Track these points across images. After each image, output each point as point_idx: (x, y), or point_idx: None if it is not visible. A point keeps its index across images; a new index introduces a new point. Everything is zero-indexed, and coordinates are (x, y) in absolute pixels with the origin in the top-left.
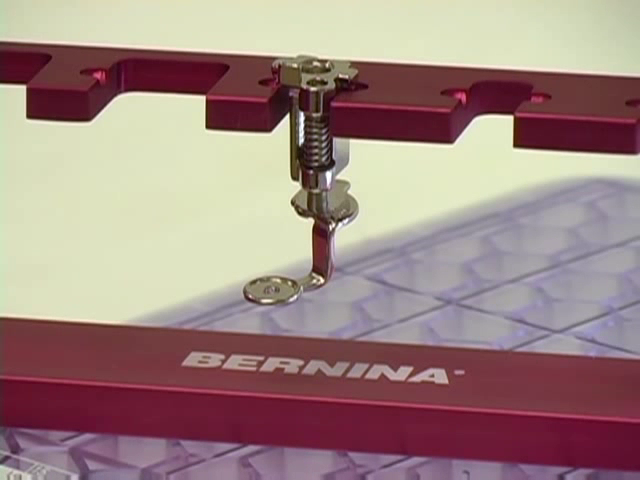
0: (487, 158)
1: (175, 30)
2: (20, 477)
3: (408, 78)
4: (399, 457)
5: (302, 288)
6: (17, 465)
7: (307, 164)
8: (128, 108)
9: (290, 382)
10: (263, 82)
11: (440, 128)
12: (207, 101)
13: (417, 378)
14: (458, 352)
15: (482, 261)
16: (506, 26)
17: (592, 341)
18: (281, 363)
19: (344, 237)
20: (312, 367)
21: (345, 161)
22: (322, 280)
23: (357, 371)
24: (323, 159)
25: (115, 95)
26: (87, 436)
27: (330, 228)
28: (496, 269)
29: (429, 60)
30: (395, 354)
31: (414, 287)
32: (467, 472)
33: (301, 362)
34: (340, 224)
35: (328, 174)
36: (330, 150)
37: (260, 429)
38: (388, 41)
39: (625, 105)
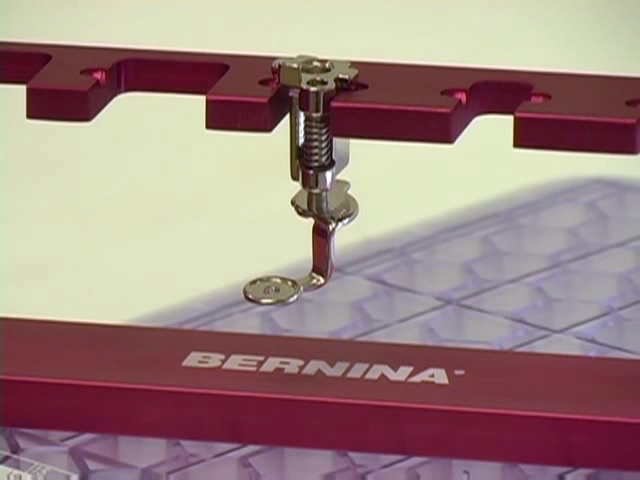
0: (487, 158)
1: (175, 30)
2: (20, 477)
3: (408, 78)
4: (399, 457)
5: (302, 288)
6: (17, 465)
7: (307, 164)
8: (128, 108)
9: (290, 382)
10: (263, 82)
11: (440, 128)
12: (207, 101)
13: (417, 378)
14: (458, 352)
15: (482, 261)
16: (506, 26)
17: (592, 341)
18: (281, 363)
19: (344, 237)
20: (312, 367)
21: (345, 161)
22: (322, 280)
23: (357, 371)
24: (323, 159)
25: (115, 95)
26: (87, 436)
27: (330, 228)
28: (496, 269)
29: (429, 60)
30: (395, 354)
31: (414, 287)
32: (467, 472)
33: (301, 362)
34: (340, 224)
35: (328, 174)
36: (330, 150)
37: (260, 429)
38: (388, 41)
39: (625, 105)
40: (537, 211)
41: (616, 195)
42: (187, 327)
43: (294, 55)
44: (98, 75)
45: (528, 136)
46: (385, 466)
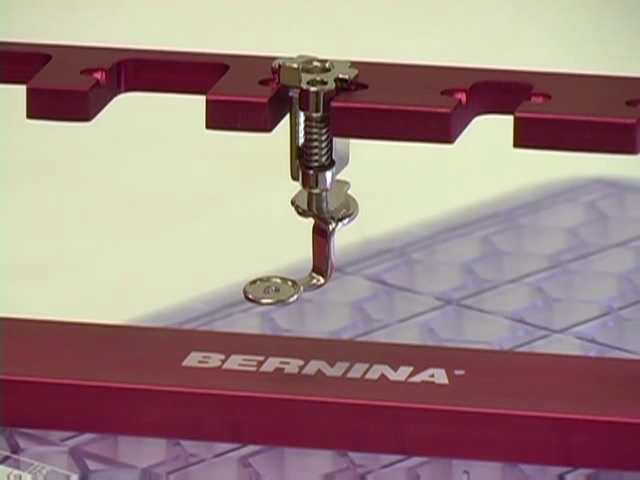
0: (487, 158)
1: (175, 30)
2: (20, 477)
3: (408, 78)
4: (399, 457)
5: (302, 288)
6: (17, 465)
7: (307, 164)
8: (128, 108)
9: (290, 382)
10: (263, 82)
11: (440, 128)
12: (207, 101)
13: (417, 378)
14: (458, 352)
15: (482, 261)
16: (506, 26)
17: (592, 341)
18: (281, 363)
19: (344, 237)
20: (312, 367)
21: (345, 161)
22: (322, 280)
23: (357, 371)
24: (323, 159)
25: (115, 95)
26: (87, 436)
27: (330, 228)
28: (496, 269)
29: (429, 60)
30: (395, 354)
31: (414, 287)
32: (467, 472)
33: (301, 362)
34: (340, 224)
35: (328, 174)
36: (330, 150)
37: (260, 429)
38: (388, 41)
39: (625, 105)
40: (537, 211)
41: (616, 195)
42: (187, 327)
43: (294, 55)
44: (98, 75)
45: (528, 136)
46: (385, 466)
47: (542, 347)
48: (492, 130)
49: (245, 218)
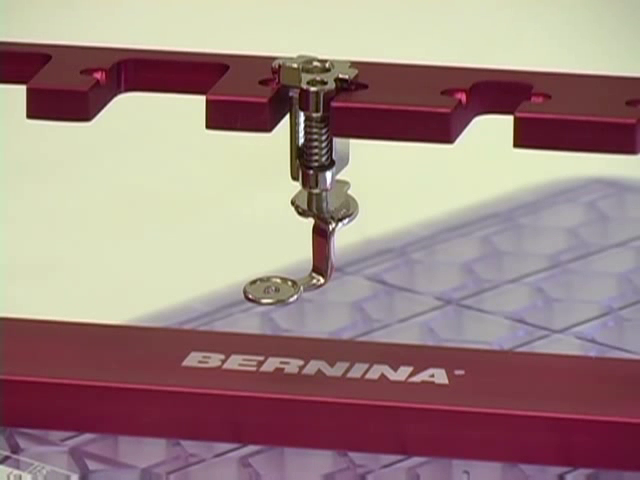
0: (487, 158)
1: (175, 30)
2: (20, 477)
3: (408, 78)
4: (399, 457)
5: (302, 288)
6: (17, 465)
7: (307, 164)
8: (128, 108)
9: (290, 382)
10: (263, 82)
11: (440, 128)
12: (207, 101)
13: (417, 378)
14: (458, 352)
15: (482, 261)
16: (506, 26)
17: (592, 341)
18: (281, 363)
19: (344, 237)
20: (312, 367)
21: (345, 161)
22: (322, 280)
23: (357, 371)
24: (323, 159)
25: (115, 95)
26: (87, 436)
27: (330, 228)
28: (496, 269)
29: (429, 60)
30: (395, 354)
31: (414, 287)
32: (467, 472)
33: (301, 362)
34: (340, 224)
35: (328, 174)
36: (330, 150)
37: (260, 429)
38: (388, 41)
39: (625, 105)
40: (537, 211)
41: (616, 195)
42: (187, 327)
43: (294, 55)
44: (98, 75)
45: (528, 136)
46: (385, 466)
47: (542, 347)
48: (492, 130)
49: (245, 218)
